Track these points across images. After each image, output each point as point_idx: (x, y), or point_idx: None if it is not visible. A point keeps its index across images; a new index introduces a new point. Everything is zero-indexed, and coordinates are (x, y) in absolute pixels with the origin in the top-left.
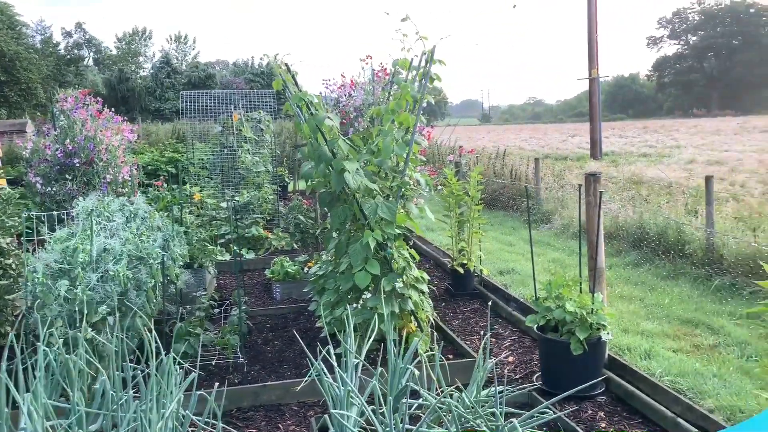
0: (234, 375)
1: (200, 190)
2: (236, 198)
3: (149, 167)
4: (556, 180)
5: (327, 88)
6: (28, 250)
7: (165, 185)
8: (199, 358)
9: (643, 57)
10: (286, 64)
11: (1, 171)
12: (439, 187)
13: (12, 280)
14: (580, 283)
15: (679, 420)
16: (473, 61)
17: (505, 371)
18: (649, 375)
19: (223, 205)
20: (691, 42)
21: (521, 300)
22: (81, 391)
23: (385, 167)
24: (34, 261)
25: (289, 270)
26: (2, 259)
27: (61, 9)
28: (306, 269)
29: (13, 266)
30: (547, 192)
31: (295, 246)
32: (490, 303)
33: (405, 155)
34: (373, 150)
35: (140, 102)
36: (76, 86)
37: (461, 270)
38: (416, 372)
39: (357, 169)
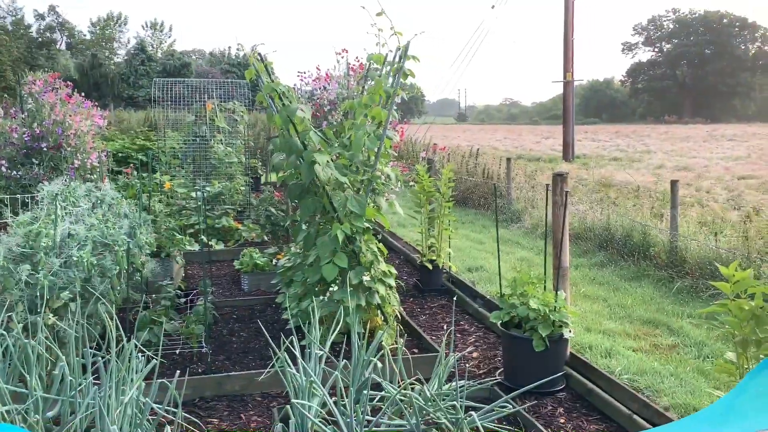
0: (198, 365)
1: (171, 179)
2: (207, 188)
3: (120, 154)
4: (527, 180)
5: (302, 80)
6: None
7: (135, 173)
8: (161, 347)
9: (618, 62)
10: (259, 54)
11: None
12: (411, 183)
13: None
14: (545, 281)
15: (635, 417)
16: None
17: (468, 366)
18: (609, 373)
19: (194, 194)
20: (665, 49)
21: (488, 297)
22: (39, 377)
23: (357, 161)
24: None
25: (258, 262)
26: None
27: None
28: (275, 261)
29: None
30: (517, 192)
31: (266, 238)
32: (455, 298)
33: (376, 149)
34: (345, 143)
35: (113, 89)
36: (48, 70)
37: (430, 266)
38: (380, 365)
39: (327, 161)
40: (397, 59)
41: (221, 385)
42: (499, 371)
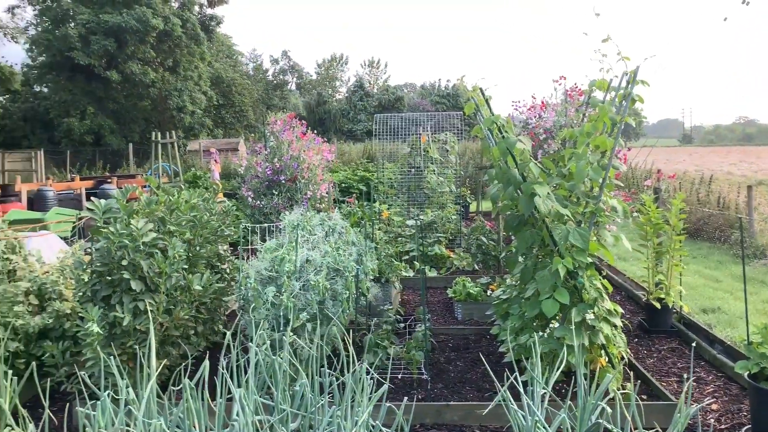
0: (417, 391)
1: (388, 208)
2: (421, 217)
3: (342, 185)
4: None
5: (516, 109)
6: (243, 258)
7: (356, 202)
8: (387, 371)
9: None
10: (480, 89)
11: (221, 185)
12: (635, 214)
13: (226, 283)
14: None
15: None
16: (672, 76)
17: (708, 419)
18: None
19: (409, 222)
20: None
21: (728, 343)
22: (283, 391)
23: (577, 192)
24: (247, 268)
25: (471, 291)
26: (219, 264)
27: (270, 39)
28: (489, 291)
29: (227, 271)
30: (762, 224)
31: (476, 267)
32: (693, 344)
33: (600, 180)
34: (564, 173)
35: (335, 124)
36: (282, 109)
37: (658, 305)
38: (609, 410)
39: (548, 193)
40: (623, 84)
41: (440, 414)
42: (745, 428)
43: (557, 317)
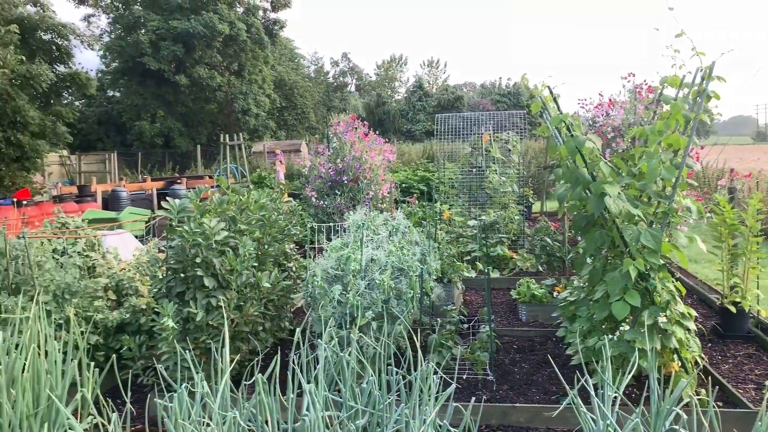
0: (482, 391)
1: (449, 208)
2: (483, 217)
3: (403, 185)
4: None
5: (582, 107)
6: (310, 256)
7: (417, 202)
8: (449, 371)
9: None
10: (548, 87)
11: (287, 185)
12: (708, 215)
13: (292, 281)
14: None
15: None
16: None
17: None
18: None
19: (471, 223)
20: None
21: None
22: (352, 388)
23: (649, 191)
24: (314, 266)
25: (535, 293)
26: (285, 263)
27: (331, 41)
28: (555, 293)
29: (293, 269)
30: None
31: (540, 269)
32: None
33: (673, 179)
34: (634, 173)
35: (394, 124)
36: (342, 111)
37: (733, 309)
38: (684, 416)
39: (618, 193)
40: (698, 81)
41: (506, 415)
42: None
43: (627, 320)
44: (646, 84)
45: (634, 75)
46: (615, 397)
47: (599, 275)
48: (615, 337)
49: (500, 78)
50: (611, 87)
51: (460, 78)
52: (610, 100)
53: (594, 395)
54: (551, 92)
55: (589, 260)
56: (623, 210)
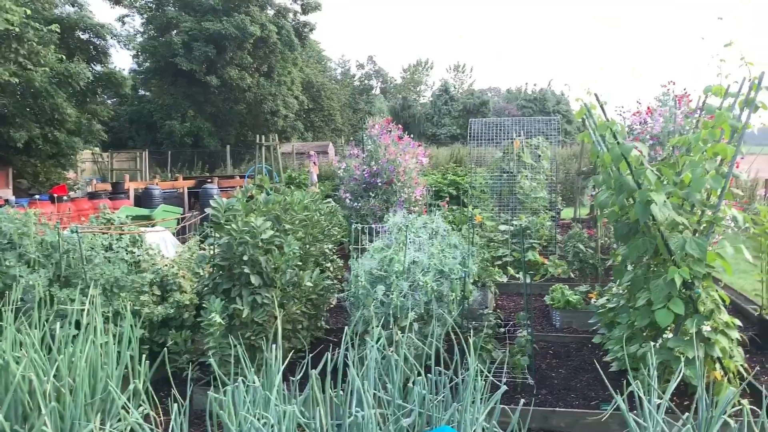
0: (522, 395)
1: (480, 213)
2: (514, 222)
3: (433, 188)
4: None
5: (620, 114)
6: (354, 257)
7: (447, 206)
8: (491, 374)
9: None
10: (595, 94)
11: (322, 186)
12: (745, 225)
13: (330, 281)
14: None
15: None
16: None
17: None
18: None
19: (502, 228)
20: None
21: None
22: (400, 389)
23: (693, 200)
24: (357, 267)
25: (570, 299)
26: (324, 263)
27: (357, 44)
28: (592, 300)
29: (331, 269)
30: None
31: (572, 275)
32: None
33: (720, 189)
34: (676, 181)
35: (419, 127)
36: (368, 113)
37: None
38: (733, 424)
39: (664, 201)
40: (744, 90)
41: (547, 420)
42: None
43: (669, 328)
44: (685, 92)
45: (674, 83)
46: (659, 404)
47: (641, 283)
48: (657, 344)
49: (526, 83)
50: (643, 95)
51: (485, 83)
52: (648, 108)
53: (646, 402)
54: (598, 99)
55: (629, 267)
56: (668, 218)
